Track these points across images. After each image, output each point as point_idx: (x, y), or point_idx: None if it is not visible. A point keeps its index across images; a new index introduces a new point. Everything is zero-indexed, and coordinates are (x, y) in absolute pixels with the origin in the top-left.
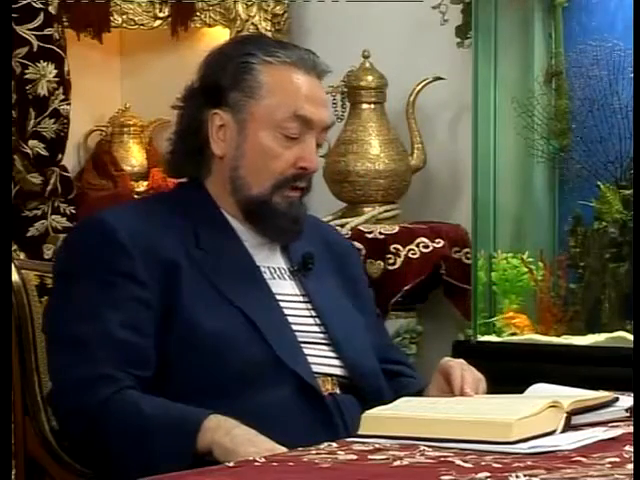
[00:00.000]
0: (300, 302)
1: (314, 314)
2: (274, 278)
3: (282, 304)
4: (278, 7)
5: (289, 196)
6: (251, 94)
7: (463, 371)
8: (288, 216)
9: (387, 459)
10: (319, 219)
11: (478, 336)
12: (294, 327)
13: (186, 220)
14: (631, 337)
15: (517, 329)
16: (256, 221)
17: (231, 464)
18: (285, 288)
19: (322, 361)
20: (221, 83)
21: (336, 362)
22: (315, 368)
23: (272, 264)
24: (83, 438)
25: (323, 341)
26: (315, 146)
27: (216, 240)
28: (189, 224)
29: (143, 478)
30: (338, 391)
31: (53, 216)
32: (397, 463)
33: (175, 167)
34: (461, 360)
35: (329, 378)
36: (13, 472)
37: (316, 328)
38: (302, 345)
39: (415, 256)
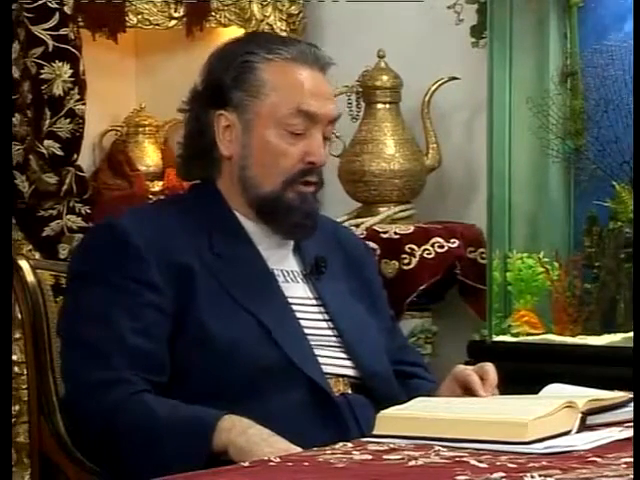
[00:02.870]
0: (312, 305)
1: (327, 317)
2: (287, 282)
3: (295, 307)
4: (293, 7)
5: (302, 191)
6: (254, 93)
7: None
8: (301, 211)
9: (402, 459)
10: (334, 220)
11: (493, 336)
12: (307, 331)
13: (200, 223)
14: None
15: (529, 327)
16: (269, 218)
17: (246, 464)
18: (298, 291)
19: (334, 362)
20: (224, 84)
21: (348, 363)
22: (327, 369)
23: (285, 267)
24: (98, 439)
25: (335, 343)
26: (322, 140)
27: (229, 244)
28: (203, 227)
29: (157, 478)
30: (350, 391)
31: (68, 216)
32: (412, 463)
33: (186, 170)
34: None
35: (341, 379)
36: (29, 471)
37: (329, 332)
38: (314, 347)
39: (430, 256)
